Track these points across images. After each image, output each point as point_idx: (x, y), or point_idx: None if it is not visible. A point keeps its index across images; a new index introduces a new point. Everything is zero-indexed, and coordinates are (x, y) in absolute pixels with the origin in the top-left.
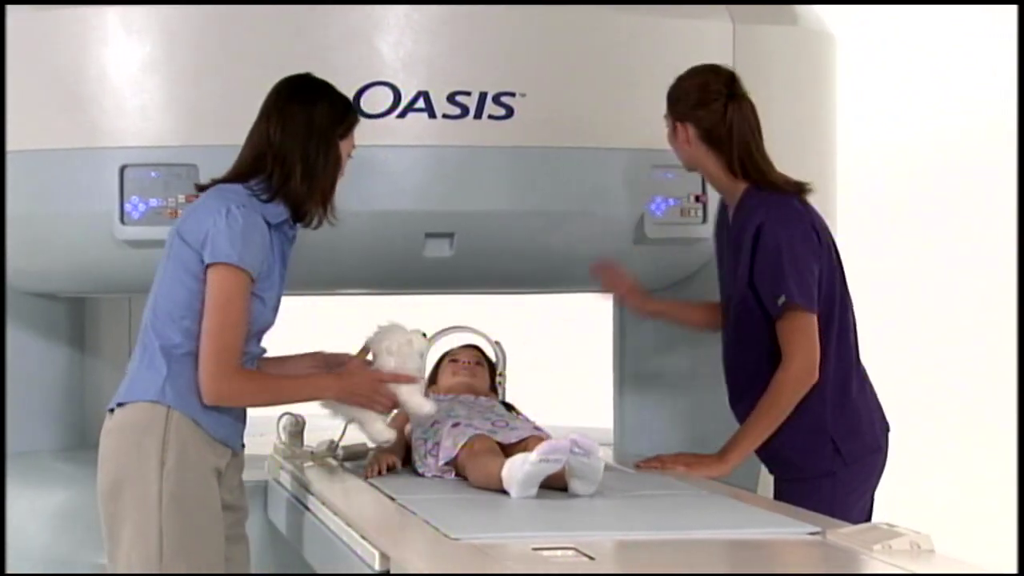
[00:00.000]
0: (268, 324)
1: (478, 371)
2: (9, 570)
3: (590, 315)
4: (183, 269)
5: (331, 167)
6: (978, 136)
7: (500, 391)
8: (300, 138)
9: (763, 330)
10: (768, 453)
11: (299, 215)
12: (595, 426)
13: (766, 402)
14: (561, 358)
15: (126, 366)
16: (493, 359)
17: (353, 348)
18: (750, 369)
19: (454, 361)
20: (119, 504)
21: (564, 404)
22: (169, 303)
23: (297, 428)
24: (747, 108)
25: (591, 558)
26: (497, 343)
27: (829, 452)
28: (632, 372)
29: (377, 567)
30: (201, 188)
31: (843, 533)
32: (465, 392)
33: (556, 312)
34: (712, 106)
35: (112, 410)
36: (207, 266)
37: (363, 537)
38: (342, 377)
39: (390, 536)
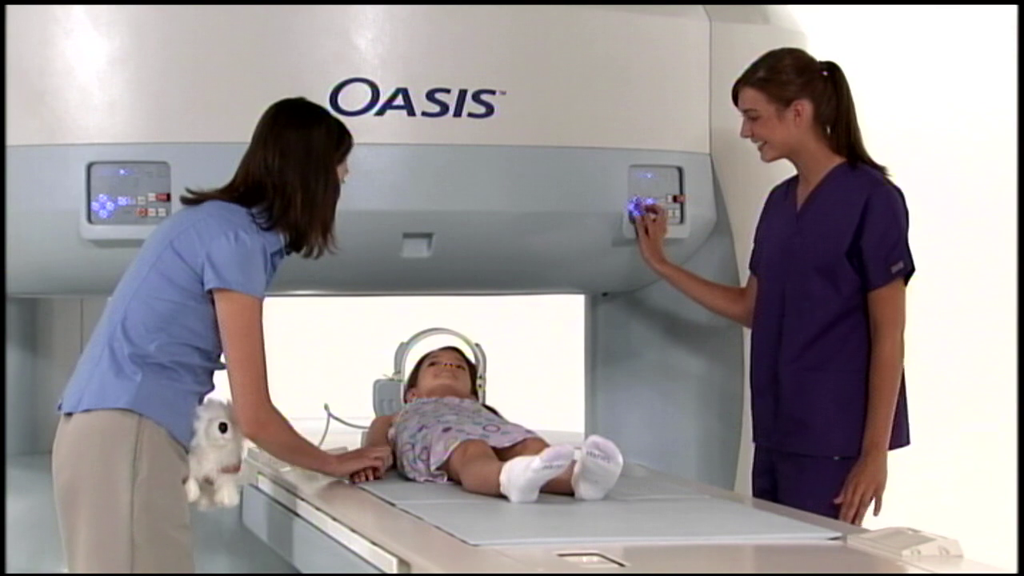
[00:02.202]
0: None
1: (459, 373)
2: None
3: (565, 317)
4: (168, 282)
5: (330, 194)
6: (958, 134)
7: (480, 394)
8: (299, 165)
9: (825, 307)
10: (793, 424)
11: (298, 245)
12: (567, 429)
13: (880, 380)
14: (536, 360)
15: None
16: (473, 361)
17: (329, 350)
18: (796, 347)
19: (434, 364)
20: (82, 512)
21: (537, 406)
22: (145, 313)
23: None
24: (846, 81)
25: (620, 564)
26: (477, 345)
27: (856, 435)
28: (603, 374)
29: (395, 572)
30: (192, 196)
31: (866, 538)
32: (447, 395)
33: (530, 313)
34: (820, 81)
35: (70, 414)
36: (213, 290)
37: (374, 543)
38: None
39: (403, 541)
